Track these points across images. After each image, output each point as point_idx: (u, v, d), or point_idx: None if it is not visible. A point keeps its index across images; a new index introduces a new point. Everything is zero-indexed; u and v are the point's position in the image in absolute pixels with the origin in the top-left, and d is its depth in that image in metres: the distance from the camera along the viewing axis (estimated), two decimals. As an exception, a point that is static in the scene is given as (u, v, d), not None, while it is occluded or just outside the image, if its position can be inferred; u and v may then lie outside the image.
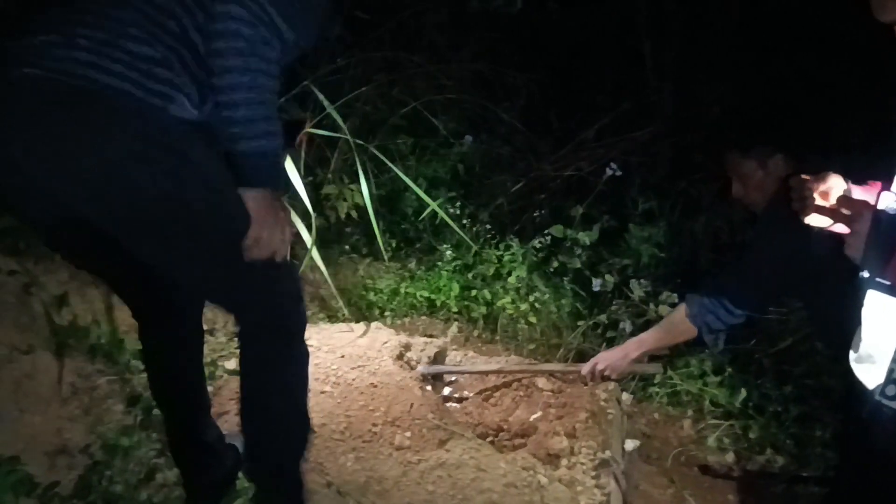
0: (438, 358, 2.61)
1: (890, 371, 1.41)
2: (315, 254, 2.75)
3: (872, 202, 1.47)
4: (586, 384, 2.55)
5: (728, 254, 3.40)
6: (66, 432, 1.91)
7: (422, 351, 2.67)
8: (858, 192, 1.73)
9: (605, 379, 2.49)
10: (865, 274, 1.41)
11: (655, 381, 2.92)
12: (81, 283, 2.33)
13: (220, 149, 1.42)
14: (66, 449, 1.87)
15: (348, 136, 2.91)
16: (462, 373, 2.58)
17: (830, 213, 1.55)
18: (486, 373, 2.58)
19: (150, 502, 1.84)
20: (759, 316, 2.34)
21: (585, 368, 2.46)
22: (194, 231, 1.40)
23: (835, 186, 1.69)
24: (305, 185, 2.83)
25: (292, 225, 1.52)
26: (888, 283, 1.40)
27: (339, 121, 2.89)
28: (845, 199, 1.52)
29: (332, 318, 3.00)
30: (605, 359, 2.45)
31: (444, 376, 2.61)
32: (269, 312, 1.51)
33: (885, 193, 1.45)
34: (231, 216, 1.42)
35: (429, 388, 2.47)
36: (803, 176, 1.72)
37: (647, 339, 2.43)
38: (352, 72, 3.42)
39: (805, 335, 2.97)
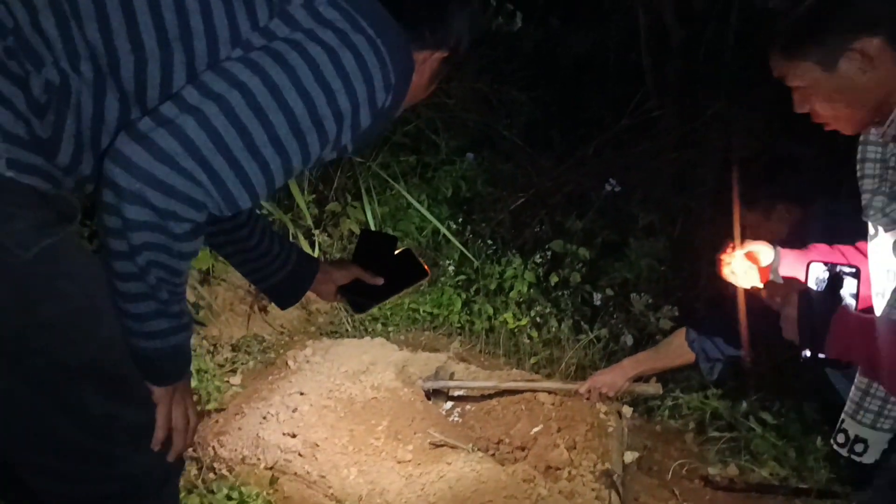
0: (440, 373, 2.64)
1: (840, 421, 1.42)
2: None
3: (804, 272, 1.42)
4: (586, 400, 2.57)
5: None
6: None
7: (424, 366, 2.71)
8: (789, 260, 1.75)
9: (602, 398, 2.52)
10: (807, 353, 1.36)
11: (657, 395, 2.93)
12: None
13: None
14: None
15: (351, 154, 2.97)
16: (462, 387, 2.60)
17: (765, 293, 1.50)
18: (485, 389, 2.60)
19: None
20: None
21: (584, 388, 2.48)
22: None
23: (762, 253, 1.72)
24: (308, 203, 2.89)
25: (195, 416, 1.27)
26: (829, 359, 1.35)
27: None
28: (772, 285, 1.50)
29: (335, 333, 3.04)
30: (603, 379, 2.48)
31: (445, 394, 2.64)
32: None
33: (813, 265, 1.41)
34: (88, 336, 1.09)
35: (430, 401, 2.50)
36: (731, 244, 1.76)
37: (644, 359, 2.46)
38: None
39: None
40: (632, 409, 2.83)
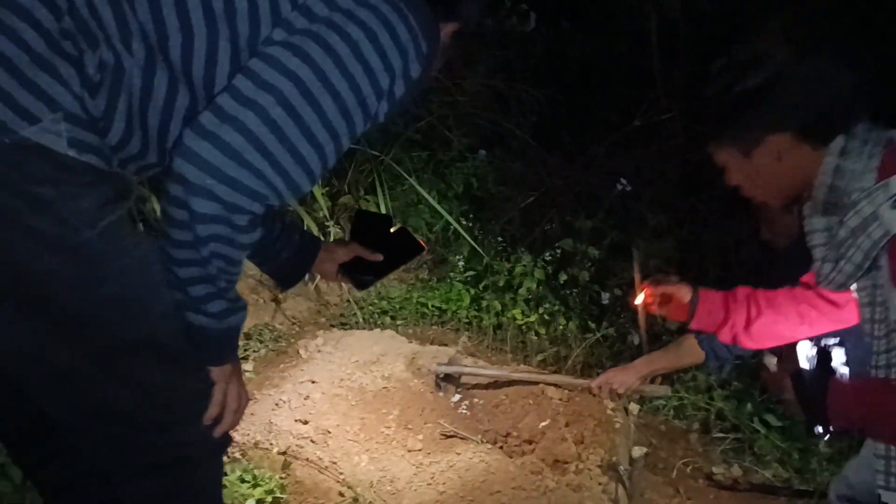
0: (453, 363, 2.67)
1: (877, 497, 1.41)
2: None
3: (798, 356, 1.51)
4: (594, 396, 2.59)
5: (735, 270, 3.45)
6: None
7: (433, 358, 2.73)
8: (709, 299, 1.78)
9: (612, 395, 2.54)
10: (818, 429, 1.39)
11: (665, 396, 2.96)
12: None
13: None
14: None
15: (366, 148, 3.00)
16: (475, 374, 2.62)
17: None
18: (498, 377, 2.63)
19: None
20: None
21: (596, 383, 2.50)
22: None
23: (679, 293, 1.79)
24: (322, 195, 2.92)
25: (246, 397, 1.30)
26: (836, 431, 1.39)
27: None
28: (769, 376, 1.53)
29: (346, 324, 3.07)
30: (616, 377, 2.50)
31: (455, 383, 2.66)
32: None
33: (801, 344, 1.49)
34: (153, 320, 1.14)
35: (441, 393, 2.53)
36: (656, 278, 1.85)
37: (657, 359, 2.48)
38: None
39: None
40: (639, 406, 2.86)
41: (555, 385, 2.60)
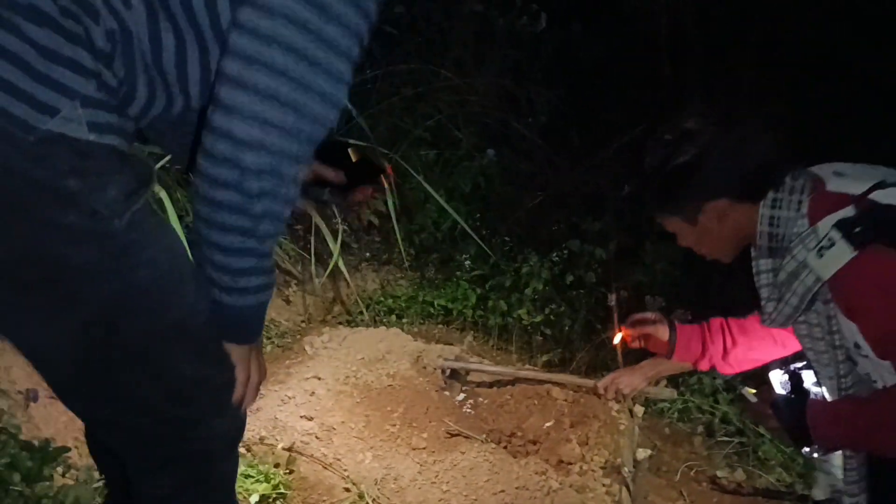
0: (460, 360, 2.68)
1: None
2: (339, 259, 2.84)
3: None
4: (599, 397, 2.59)
5: (740, 276, 3.44)
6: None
7: (438, 357, 2.73)
8: (686, 334, 1.91)
9: (618, 396, 2.54)
10: (807, 450, 1.49)
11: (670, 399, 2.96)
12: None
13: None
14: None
15: (375, 145, 3.00)
16: (482, 370, 2.63)
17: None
18: (504, 374, 2.63)
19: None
20: None
21: (602, 383, 2.50)
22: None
23: (657, 333, 1.93)
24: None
25: (265, 371, 1.27)
26: (822, 451, 1.49)
27: (367, 130, 2.99)
28: (750, 407, 1.65)
29: (352, 322, 3.07)
30: (623, 378, 2.49)
31: (461, 381, 2.66)
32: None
33: (773, 373, 1.58)
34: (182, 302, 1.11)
35: (446, 392, 2.53)
36: (634, 318, 1.98)
37: (663, 362, 2.48)
38: (379, 84, 3.51)
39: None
40: (643, 408, 2.86)
41: (560, 385, 2.60)
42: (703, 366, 1.89)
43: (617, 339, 2.03)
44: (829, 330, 1.41)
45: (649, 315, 2.01)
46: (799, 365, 1.55)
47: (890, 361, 1.34)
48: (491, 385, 2.65)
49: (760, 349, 1.78)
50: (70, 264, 1.01)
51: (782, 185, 1.43)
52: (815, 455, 1.50)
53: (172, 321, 1.10)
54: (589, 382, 2.57)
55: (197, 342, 1.14)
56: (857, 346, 1.40)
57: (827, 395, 1.49)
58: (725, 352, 1.83)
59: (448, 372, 2.56)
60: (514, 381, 2.64)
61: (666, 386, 2.69)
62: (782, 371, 1.57)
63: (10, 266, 1.00)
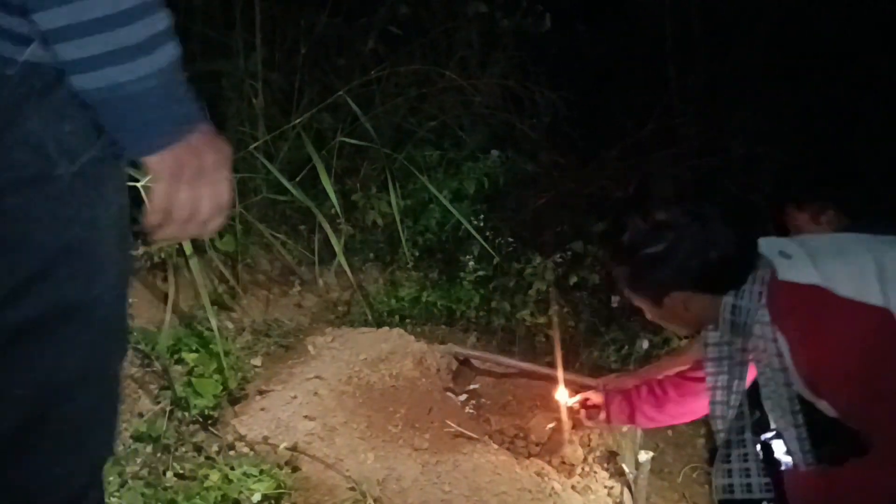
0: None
1: None
2: (342, 259, 2.85)
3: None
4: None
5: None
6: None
7: (442, 358, 2.74)
8: (616, 401, 2.08)
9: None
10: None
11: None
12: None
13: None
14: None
15: (378, 146, 3.00)
16: (491, 360, 2.64)
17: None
18: (513, 366, 2.64)
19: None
20: None
21: (604, 380, 2.49)
22: None
23: (592, 399, 2.12)
24: (336, 192, 2.93)
25: (228, 173, 0.95)
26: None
27: (371, 131, 2.99)
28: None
29: (355, 322, 3.07)
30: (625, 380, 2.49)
31: (470, 375, 2.67)
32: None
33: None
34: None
35: (448, 393, 2.53)
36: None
37: (666, 365, 2.47)
38: (383, 84, 3.51)
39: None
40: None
41: (565, 382, 2.60)
42: (641, 423, 2.08)
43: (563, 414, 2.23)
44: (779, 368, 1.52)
45: (591, 381, 2.27)
46: (769, 435, 1.62)
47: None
48: (494, 386, 2.65)
49: (695, 402, 1.94)
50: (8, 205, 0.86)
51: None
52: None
53: (88, 294, 0.93)
54: (591, 382, 2.57)
55: (100, 328, 0.98)
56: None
57: (800, 458, 1.52)
58: (659, 406, 2.00)
59: (456, 366, 2.57)
60: (517, 381, 2.65)
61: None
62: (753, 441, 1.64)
63: None
